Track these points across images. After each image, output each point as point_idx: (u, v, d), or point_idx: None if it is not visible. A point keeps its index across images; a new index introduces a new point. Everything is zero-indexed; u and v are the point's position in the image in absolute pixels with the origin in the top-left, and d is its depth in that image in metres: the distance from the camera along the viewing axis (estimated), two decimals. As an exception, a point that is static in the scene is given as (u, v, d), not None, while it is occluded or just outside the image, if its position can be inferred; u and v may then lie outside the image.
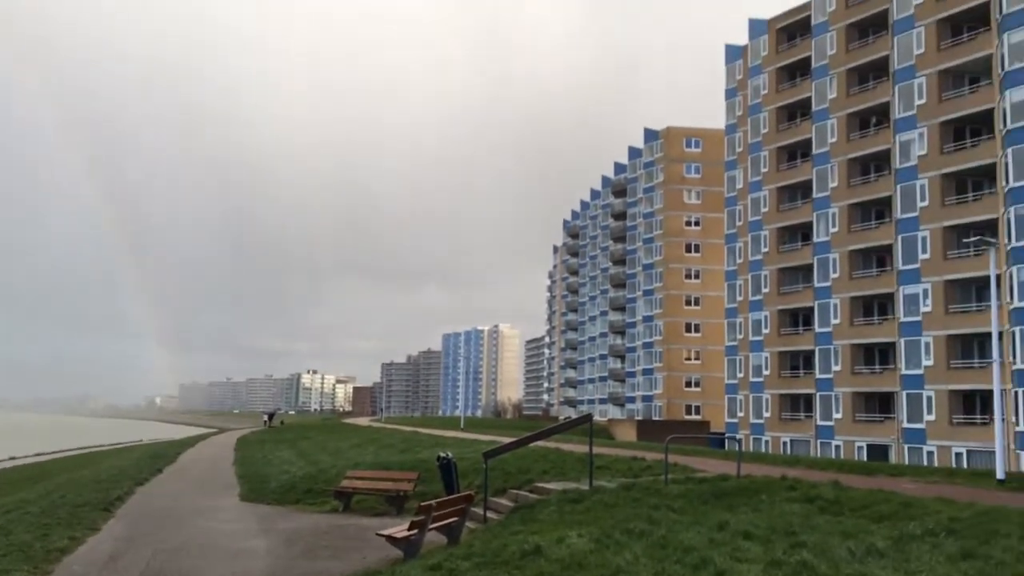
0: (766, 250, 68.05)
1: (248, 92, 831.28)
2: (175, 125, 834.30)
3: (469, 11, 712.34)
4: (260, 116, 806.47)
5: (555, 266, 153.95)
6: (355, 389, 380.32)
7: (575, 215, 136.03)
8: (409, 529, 13.31)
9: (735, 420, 70.46)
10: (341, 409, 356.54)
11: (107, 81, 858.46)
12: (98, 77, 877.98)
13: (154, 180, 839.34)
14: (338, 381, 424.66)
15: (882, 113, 58.38)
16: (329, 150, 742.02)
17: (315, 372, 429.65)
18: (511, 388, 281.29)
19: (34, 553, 14.22)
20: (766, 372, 66.69)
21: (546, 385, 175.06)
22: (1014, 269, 44.16)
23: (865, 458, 52.82)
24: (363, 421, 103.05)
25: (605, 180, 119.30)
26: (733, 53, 76.24)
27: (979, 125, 51.44)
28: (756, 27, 72.05)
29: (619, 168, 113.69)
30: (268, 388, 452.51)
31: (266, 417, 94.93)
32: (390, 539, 13.34)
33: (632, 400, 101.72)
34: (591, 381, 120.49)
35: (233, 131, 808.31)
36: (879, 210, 58.45)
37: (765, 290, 67.75)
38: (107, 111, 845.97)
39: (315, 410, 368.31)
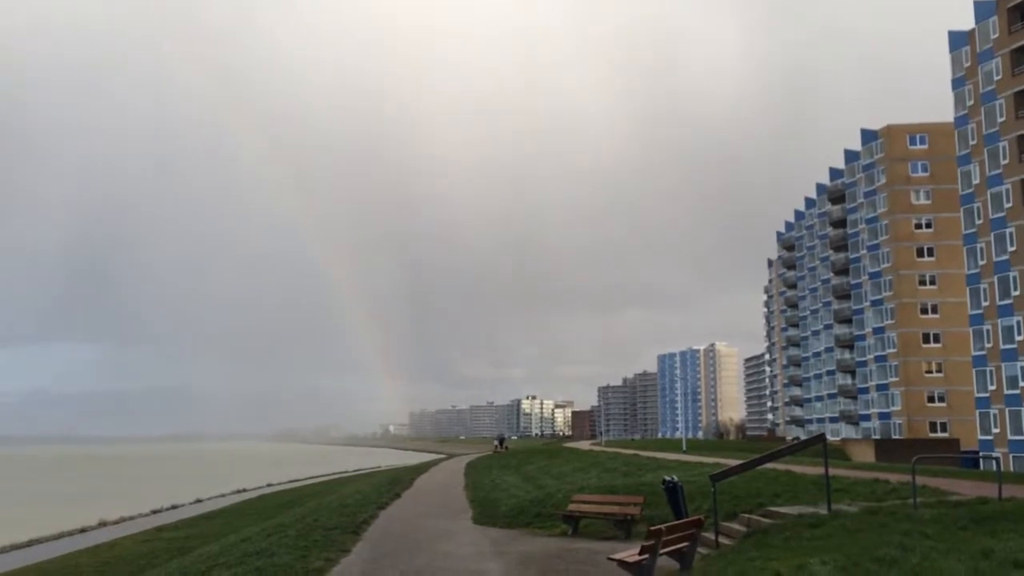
0: (1013, 249, 61.61)
1: (424, 142, 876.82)
2: (368, 175, 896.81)
3: (634, 33, 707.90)
4: (443, 164, 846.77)
5: (771, 280, 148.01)
6: (574, 413, 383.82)
7: (789, 226, 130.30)
8: (640, 553, 13.22)
9: (989, 437, 63.97)
10: (561, 433, 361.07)
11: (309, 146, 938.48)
12: (304, 141, 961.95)
13: (374, 237, 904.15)
14: (556, 406, 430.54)
15: None
16: (508, 191, 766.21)
17: (534, 398, 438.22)
18: (732, 408, 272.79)
19: (295, 573, 15.52)
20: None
21: (769, 404, 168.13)
22: None
23: None
24: (584, 445, 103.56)
25: (820, 187, 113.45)
26: (957, 40, 70.27)
27: None
28: (982, 9, 66.13)
29: (835, 173, 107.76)
30: (490, 414, 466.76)
31: (497, 442, 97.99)
32: (622, 563, 13.31)
33: (867, 418, 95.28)
34: (818, 399, 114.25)
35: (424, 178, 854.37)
36: None
37: (1015, 293, 61.29)
38: (310, 168, 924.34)
39: (536, 435, 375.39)
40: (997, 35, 64.35)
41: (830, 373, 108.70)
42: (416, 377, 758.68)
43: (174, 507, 56.64)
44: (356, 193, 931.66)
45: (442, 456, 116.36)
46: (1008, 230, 62.10)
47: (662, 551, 13.47)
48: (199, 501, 60.30)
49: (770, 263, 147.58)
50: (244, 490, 69.93)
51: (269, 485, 75.17)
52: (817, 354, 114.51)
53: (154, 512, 53.87)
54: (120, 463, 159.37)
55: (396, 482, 43.42)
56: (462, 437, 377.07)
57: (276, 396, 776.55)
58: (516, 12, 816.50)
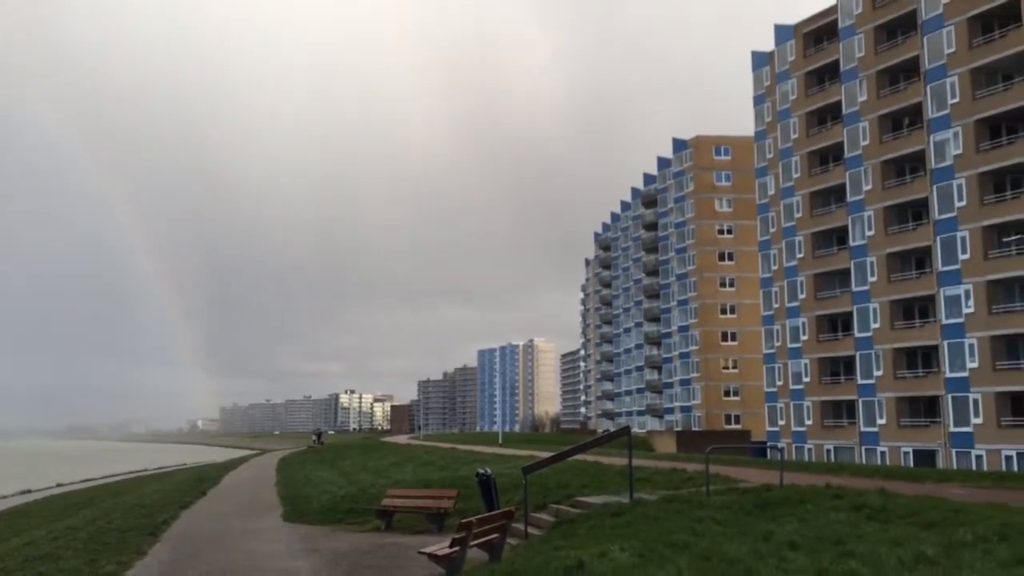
0: (801, 256, 67.31)
1: (240, 138, 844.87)
2: (190, 171, 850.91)
3: (457, 40, 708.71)
4: (260, 160, 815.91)
5: (588, 279, 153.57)
6: (393, 407, 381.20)
7: (606, 227, 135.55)
8: (450, 547, 13.29)
9: (776, 429, 69.56)
10: (380, 427, 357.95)
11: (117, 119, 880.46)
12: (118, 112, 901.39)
13: (180, 223, 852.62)
14: (376, 400, 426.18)
15: (915, 113, 57.59)
16: (324, 191, 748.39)
17: (353, 392, 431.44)
18: (548, 402, 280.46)
19: (83, 579, 14.44)
20: (806, 379, 65.84)
21: (583, 398, 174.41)
22: (1058, 267, 43.23)
23: (912, 464, 51.81)
24: (402, 439, 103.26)
25: (635, 192, 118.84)
26: (759, 60, 75.73)
27: (1015, 122, 50.54)
28: (782, 33, 71.62)
29: (649, 179, 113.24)
30: (307, 409, 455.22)
31: (315, 437, 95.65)
32: (432, 557, 13.34)
33: (671, 411, 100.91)
34: (628, 393, 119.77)
35: (238, 171, 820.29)
36: (916, 211, 57.57)
37: (802, 296, 66.97)
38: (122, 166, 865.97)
39: (354, 429, 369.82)
40: (794, 57, 69.96)
41: (639, 369, 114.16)
42: (228, 370, 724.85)
43: (-55, 511, 51.27)
44: (165, 180, 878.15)
45: (254, 452, 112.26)
46: (798, 238, 67.71)
47: (472, 543, 13.61)
48: (-25, 504, 54.90)
49: (587, 263, 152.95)
50: (30, 491, 64.37)
51: (59, 485, 69.57)
52: (628, 350, 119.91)
53: (-79, 517, 48.49)
54: None
55: (202, 480, 41.53)
56: (277, 432, 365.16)
57: (67, 389, 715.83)
58: (344, 16, 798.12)
